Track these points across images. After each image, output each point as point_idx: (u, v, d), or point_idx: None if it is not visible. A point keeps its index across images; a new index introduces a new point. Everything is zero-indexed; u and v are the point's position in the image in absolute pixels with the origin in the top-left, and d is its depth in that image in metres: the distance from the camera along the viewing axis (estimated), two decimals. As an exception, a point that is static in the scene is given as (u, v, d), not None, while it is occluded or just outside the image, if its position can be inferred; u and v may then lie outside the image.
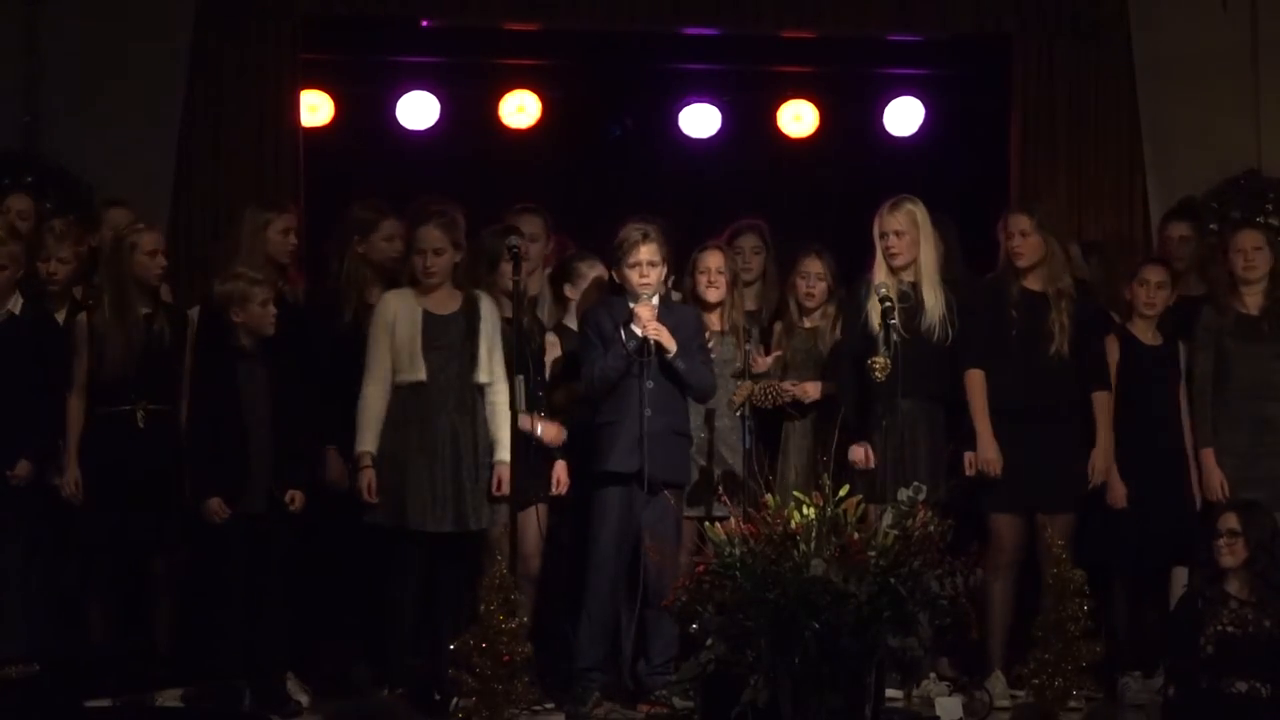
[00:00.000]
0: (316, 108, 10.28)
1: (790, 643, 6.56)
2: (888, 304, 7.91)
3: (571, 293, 8.53)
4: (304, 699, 7.86)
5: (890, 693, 7.34)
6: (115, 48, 9.48)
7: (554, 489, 8.12)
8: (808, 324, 8.59)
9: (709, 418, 8.22)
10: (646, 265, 7.93)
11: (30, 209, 8.55)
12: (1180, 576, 8.18)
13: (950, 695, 7.61)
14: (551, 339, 8.39)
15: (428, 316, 7.91)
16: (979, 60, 10.38)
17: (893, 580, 6.61)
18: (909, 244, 8.23)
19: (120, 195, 8.87)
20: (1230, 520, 7.70)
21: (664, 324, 7.90)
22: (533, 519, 8.03)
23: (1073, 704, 7.62)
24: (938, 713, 7.40)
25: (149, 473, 7.87)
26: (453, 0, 9.97)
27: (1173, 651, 7.70)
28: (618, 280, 8.07)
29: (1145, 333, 8.52)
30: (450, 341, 7.90)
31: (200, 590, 7.84)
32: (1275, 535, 7.74)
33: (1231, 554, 7.64)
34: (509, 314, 7.88)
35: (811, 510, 6.67)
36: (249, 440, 7.79)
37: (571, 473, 8.14)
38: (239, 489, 7.74)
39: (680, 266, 8.33)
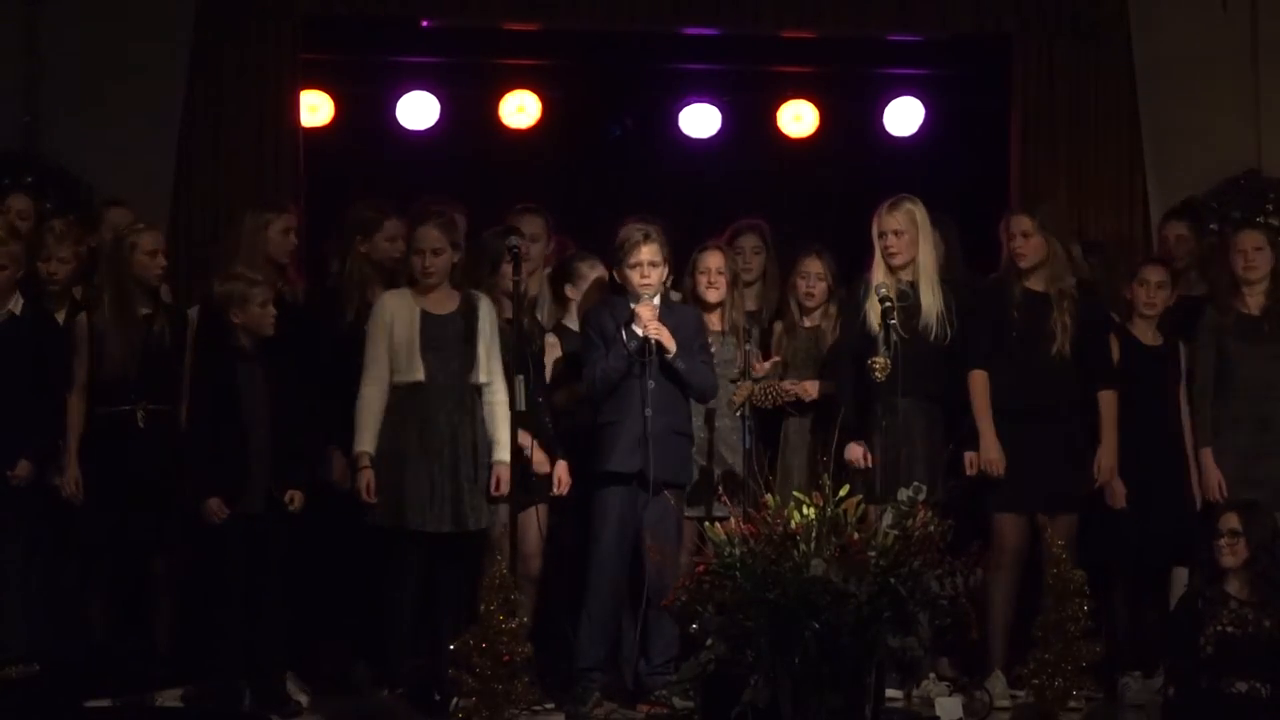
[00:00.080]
0: (316, 108, 10.28)
1: (790, 643, 6.55)
2: (888, 304, 7.91)
3: (572, 293, 8.54)
4: (304, 699, 7.86)
5: (890, 693, 7.35)
6: (115, 48, 9.49)
7: (555, 489, 8.12)
8: (808, 324, 8.60)
9: (709, 418, 8.22)
10: (647, 265, 7.94)
11: (30, 209, 8.55)
12: (1180, 576, 8.19)
13: (950, 695, 7.61)
14: (552, 340, 8.39)
15: (426, 317, 7.91)
16: (979, 60, 10.38)
17: (893, 580, 6.60)
18: (908, 243, 8.23)
19: (120, 195, 8.87)
20: (1231, 520, 7.70)
21: (665, 324, 7.90)
22: (533, 519, 8.03)
23: (1073, 704, 7.62)
24: (938, 713, 7.40)
25: (149, 473, 7.87)
26: (453, 0, 9.97)
27: (1173, 651, 7.70)
28: (619, 280, 8.07)
29: (1145, 333, 8.52)
30: (448, 342, 7.90)
31: (200, 590, 7.84)
32: (1276, 535, 7.75)
33: (1232, 554, 7.64)
34: (510, 314, 7.88)
35: (811, 510, 6.67)
36: (248, 440, 7.78)
37: (572, 472, 8.14)
38: (238, 489, 7.74)
39: (680, 266, 8.33)
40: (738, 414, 8.11)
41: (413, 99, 10.50)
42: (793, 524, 6.66)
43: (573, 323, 8.46)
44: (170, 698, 7.71)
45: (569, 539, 8.22)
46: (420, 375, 7.86)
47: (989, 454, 8.17)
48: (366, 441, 7.83)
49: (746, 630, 6.62)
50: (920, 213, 8.26)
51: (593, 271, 8.52)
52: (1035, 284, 8.33)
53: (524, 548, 7.91)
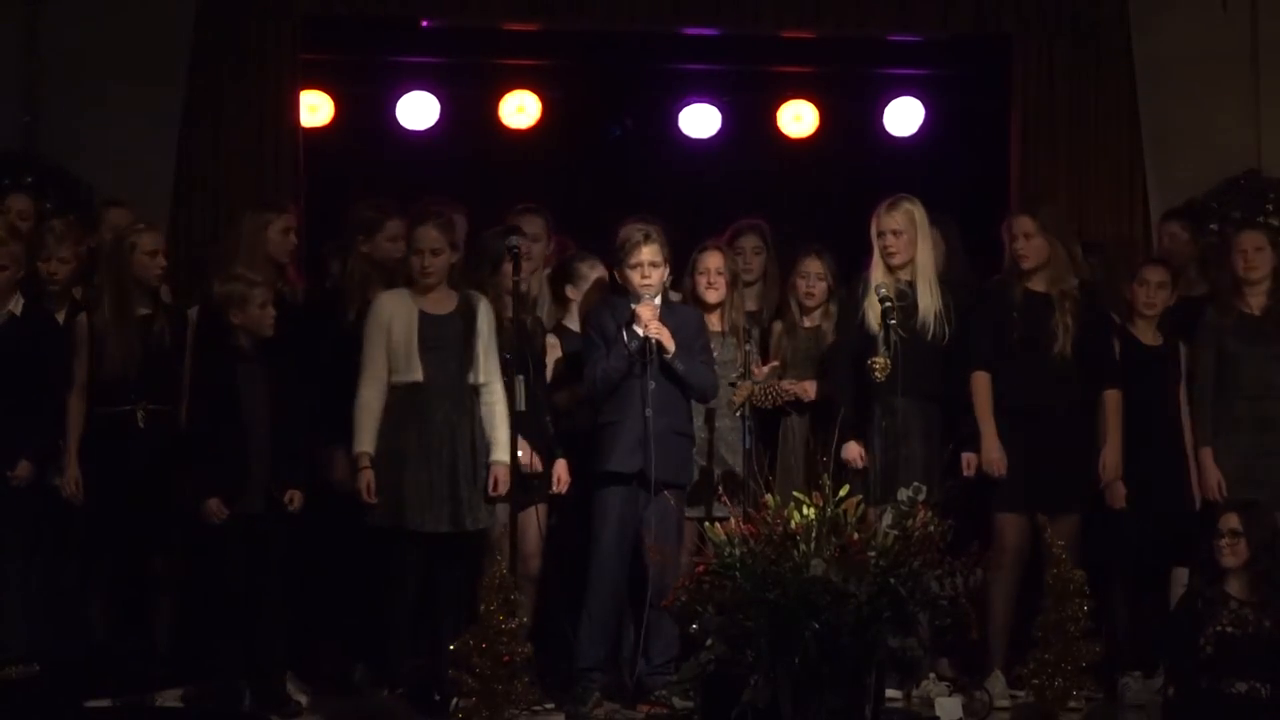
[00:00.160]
0: (316, 108, 10.29)
1: (790, 643, 6.55)
2: (888, 304, 7.91)
3: (573, 293, 8.53)
4: (304, 699, 7.86)
5: (890, 693, 7.34)
6: (115, 48, 9.48)
7: (554, 487, 8.12)
8: (807, 324, 8.60)
9: (709, 418, 8.22)
10: (648, 266, 7.94)
11: (30, 209, 8.56)
12: (1180, 576, 8.19)
13: (950, 695, 7.60)
14: (552, 340, 8.39)
15: (424, 317, 7.90)
16: (979, 60, 10.38)
17: (893, 580, 6.61)
18: (906, 243, 8.23)
19: (120, 195, 8.87)
20: (1232, 520, 7.70)
21: (665, 324, 7.90)
22: (533, 519, 8.04)
23: (1073, 704, 7.62)
24: (938, 713, 7.39)
25: (149, 473, 7.87)
26: (453, 0, 9.97)
27: (1173, 651, 7.69)
28: (619, 281, 8.07)
29: (1145, 333, 8.52)
30: (446, 342, 7.90)
31: (200, 590, 7.84)
32: (1277, 535, 7.74)
33: (1233, 554, 7.64)
34: (511, 314, 7.89)
35: (811, 510, 6.67)
36: (248, 440, 7.78)
37: (572, 472, 8.14)
38: (238, 489, 7.74)
39: (680, 267, 8.33)
40: (738, 414, 8.11)
41: (413, 99, 10.50)
42: (793, 524, 6.66)
43: (573, 323, 8.45)
44: (170, 698, 7.71)
45: (569, 539, 8.22)
46: (419, 376, 7.86)
47: (990, 454, 8.18)
48: (366, 442, 7.83)
49: (746, 630, 6.62)
50: (919, 212, 8.26)
51: (593, 272, 8.52)
52: (1037, 285, 8.33)
53: (524, 547, 7.92)
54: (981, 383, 8.24)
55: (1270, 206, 9.60)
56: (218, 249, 8.64)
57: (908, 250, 8.23)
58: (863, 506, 6.74)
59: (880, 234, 8.25)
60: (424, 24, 10.11)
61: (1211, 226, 9.48)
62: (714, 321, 8.35)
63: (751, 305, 8.69)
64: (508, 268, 7.92)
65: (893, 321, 7.88)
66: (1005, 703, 7.87)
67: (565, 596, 8.07)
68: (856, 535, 6.65)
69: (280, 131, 9.60)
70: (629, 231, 8.00)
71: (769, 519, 6.72)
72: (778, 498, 6.81)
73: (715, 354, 8.20)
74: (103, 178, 9.22)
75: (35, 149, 9.39)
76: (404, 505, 7.78)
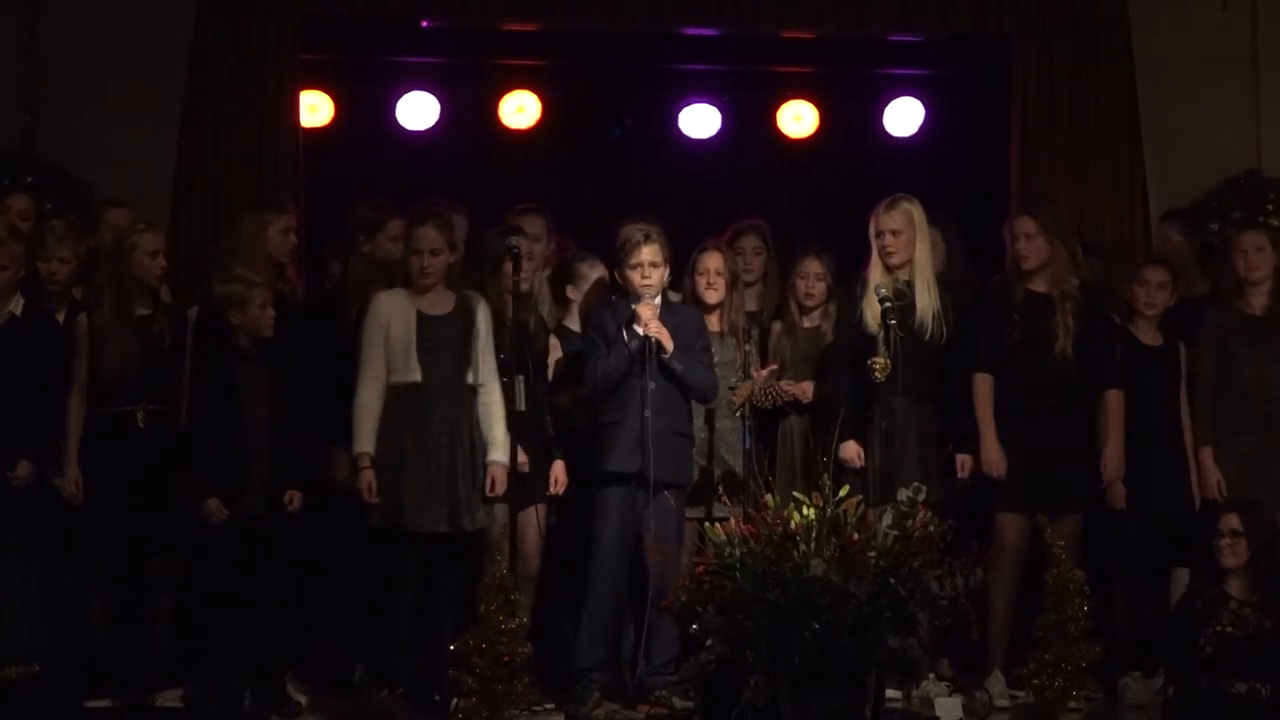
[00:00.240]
0: (316, 108, 10.28)
1: (790, 643, 6.56)
2: (887, 304, 7.91)
3: (573, 294, 8.54)
4: (304, 699, 7.86)
5: (890, 693, 7.34)
6: (115, 48, 9.48)
7: (551, 488, 8.12)
8: (807, 324, 8.60)
9: (709, 418, 8.22)
10: (648, 266, 7.94)
11: (30, 209, 8.55)
12: (1180, 577, 8.19)
13: (950, 695, 7.60)
14: (553, 340, 8.39)
15: (422, 317, 7.90)
16: (979, 60, 10.38)
17: (893, 580, 6.61)
18: (905, 243, 8.23)
19: (120, 195, 8.87)
20: (1232, 521, 7.70)
21: (665, 324, 7.90)
22: (533, 519, 8.04)
23: (1073, 704, 7.63)
24: (937, 713, 7.39)
25: (149, 473, 7.87)
26: (453, 0, 9.97)
27: (1173, 651, 7.69)
28: (619, 281, 8.07)
29: (1145, 333, 8.52)
30: (445, 342, 7.90)
31: (200, 590, 7.84)
32: (1277, 535, 7.74)
33: (1234, 554, 7.64)
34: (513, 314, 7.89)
35: (811, 510, 6.67)
36: (248, 441, 7.78)
37: (569, 472, 8.14)
38: (237, 489, 7.74)
39: (680, 267, 8.33)
40: (738, 414, 8.11)
41: (413, 99, 10.49)
42: (792, 524, 6.66)
43: (574, 324, 8.46)
44: (170, 698, 7.71)
45: (569, 539, 8.21)
46: (417, 376, 7.86)
47: (990, 455, 8.18)
48: (366, 442, 7.82)
49: (746, 630, 6.63)
50: (917, 212, 8.26)
51: (593, 272, 8.52)
52: (1038, 286, 8.33)
53: (523, 547, 7.92)
54: (983, 384, 8.24)
55: (1270, 206, 9.61)
56: (218, 249, 8.63)
57: (906, 250, 8.23)
58: (862, 507, 6.75)
59: (879, 234, 8.25)
60: (424, 24, 10.11)
61: (1212, 226, 9.48)
62: (713, 322, 8.34)
63: (752, 305, 8.68)
64: (508, 268, 7.92)
65: (893, 321, 7.88)
66: (1005, 703, 7.87)
67: (565, 596, 8.07)
68: (856, 535, 6.65)
69: (280, 131, 9.60)
70: (629, 232, 8.00)
71: (769, 519, 6.72)
72: (778, 498, 6.81)
73: (715, 354, 8.20)
74: (103, 178, 9.23)
75: (35, 149, 9.38)
76: (403, 505, 7.77)
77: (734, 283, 8.41)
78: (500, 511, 7.90)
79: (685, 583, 6.90)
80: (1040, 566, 7.91)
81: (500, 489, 7.84)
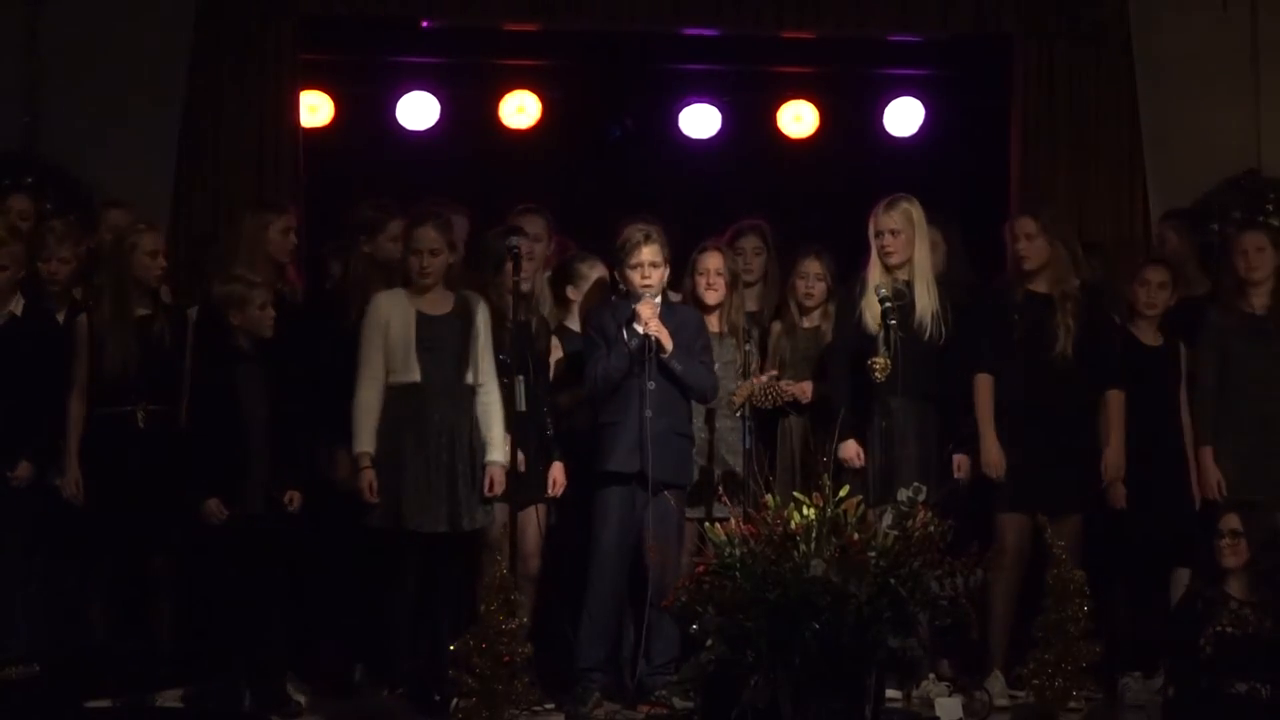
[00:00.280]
0: (316, 108, 10.29)
1: (790, 643, 6.56)
2: (887, 304, 7.91)
3: (574, 294, 8.54)
4: (304, 699, 7.86)
5: (890, 693, 7.34)
6: (115, 48, 9.48)
7: (550, 489, 8.12)
8: (807, 324, 8.60)
9: (709, 418, 8.23)
10: (649, 266, 7.94)
11: (30, 209, 8.55)
12: (1181, 577, 8.20)
13: (950, 695, 7.60)
14: (553, 341, 8.38)
15: (421, 317, 7.90)
16: (979, 60, 10.38)
17: (893, 580, 6.61)
18: (904, 243, 8.23)
19: (120, 195, 8.87)
20: (1232, 521, 7.70)
21: (665, 324, 7.90)
22: (533, 519, 8.04)
23: (1073, 704, 7.63)
24: (937, 713, 7.39)
25: (149, 473, 7.86)
26: (453, 0, 9.97)
27: (1173, 651, 7.70)
28: (620, 281, 8.07)
29: (1146, 333, 8.53)
30: (444, 342, 7.89)
31: (200, 590, 7.84)
32: (1277, 535, 7.75)
33: (1234, 555, 7.65)
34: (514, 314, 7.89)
35: (811, 511, 6.67)
36: (247, 441, 7.78)
37: (568, 473, 8.14)
38: (237, 489, 7.74)
39: (680, 267, 8.33)
40: (738, 414, 8.11)
41: (413, 99, 10.49)
42: (793, 524, 6.66)
43: (574, 324, 8.46)
44: (170, 698, 7.71)
45: (569, 539, 8.21)
46: (416, 376, 7.85)
47: (989, 456, 8.18)
48: (366, 442, 7.82)
49: (746, 630, 6.62)
50: (917, 212, 8.26)
51: (593, 272, 8.52)
52: (1039, 286, 8.33)
53: (523, 547, 7.92)
54: (984, 385, 8.25)
55: (1270, 206, 9.61)
56: (218, 249, 8.64)
57: (905, 250, 8.23)
58: (862, 507, 6.75)
59: (878, 233, 8.25)
60: (424, 24, 10.11)
61: (1212, 226, 9.48)
62: (713, 322, 8.34)
63: (752, 306, 8.69)
64: (509, 268, 7.92)
65: (892, 321, 7.88)
66: (1005, 703, 7.87)
67: (565, 596, 8.08)
68: (856, 535, 6.65)
69: (280, 131, 9.60)
70: (629, 232, 8.01)
71: (769, 519, 6.72)
72: (777, 498, 6.81)
73: (715, 355, 8.19)
74: (103, 178, 9.23)
75: (35, 149, 9.39)
76: (402, 506, 7.77)
77: (734, 283, 8.41)
78: (500, 511, 7.90)
79: (685, 583, 6.90)
80: (1040, 566, 7.92)
81: (499, 489, 7.84)
